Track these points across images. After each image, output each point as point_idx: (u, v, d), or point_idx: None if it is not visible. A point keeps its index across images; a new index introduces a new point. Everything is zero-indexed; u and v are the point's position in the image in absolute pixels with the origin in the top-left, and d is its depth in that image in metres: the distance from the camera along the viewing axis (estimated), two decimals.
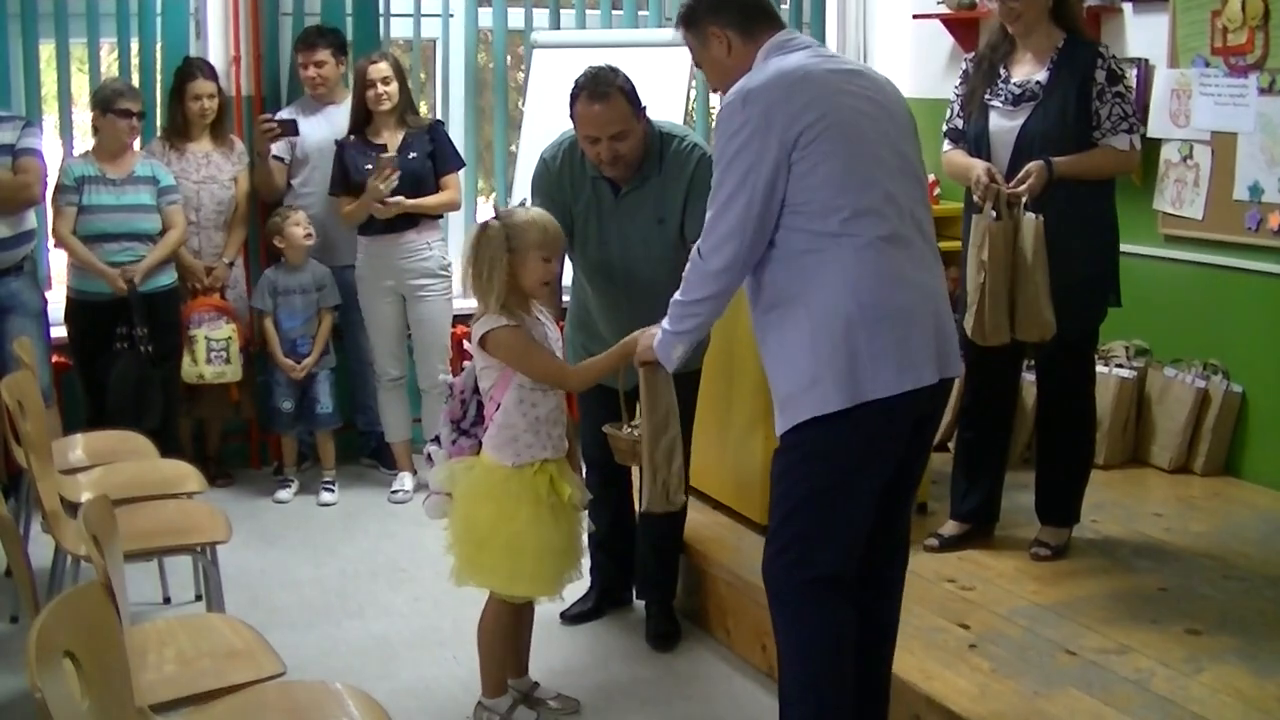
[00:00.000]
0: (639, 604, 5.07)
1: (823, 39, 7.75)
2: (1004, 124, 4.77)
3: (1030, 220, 4.57)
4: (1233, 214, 5.81)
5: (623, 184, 4.54)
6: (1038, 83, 4.73)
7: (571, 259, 4.67)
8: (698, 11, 3.57)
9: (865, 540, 3.47)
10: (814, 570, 3.42)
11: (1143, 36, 6.14)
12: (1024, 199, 4.57)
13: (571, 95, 4.45)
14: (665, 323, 3.60)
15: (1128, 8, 6.28)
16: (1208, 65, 5.87)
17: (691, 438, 4.85)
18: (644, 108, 4.49)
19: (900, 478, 3.52)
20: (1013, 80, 4.78)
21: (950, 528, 5.09)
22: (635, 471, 4.85)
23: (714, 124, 3.45)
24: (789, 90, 3.31)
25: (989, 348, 4.68)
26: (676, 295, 3.54)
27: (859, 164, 3.32)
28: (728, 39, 3.53)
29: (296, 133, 6.46)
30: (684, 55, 6.39)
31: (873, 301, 3.28)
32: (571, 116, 4.46)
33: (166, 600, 5.23)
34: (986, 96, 4.81)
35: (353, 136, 6.37)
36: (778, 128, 3.27)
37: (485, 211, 7.51)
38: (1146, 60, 6.13)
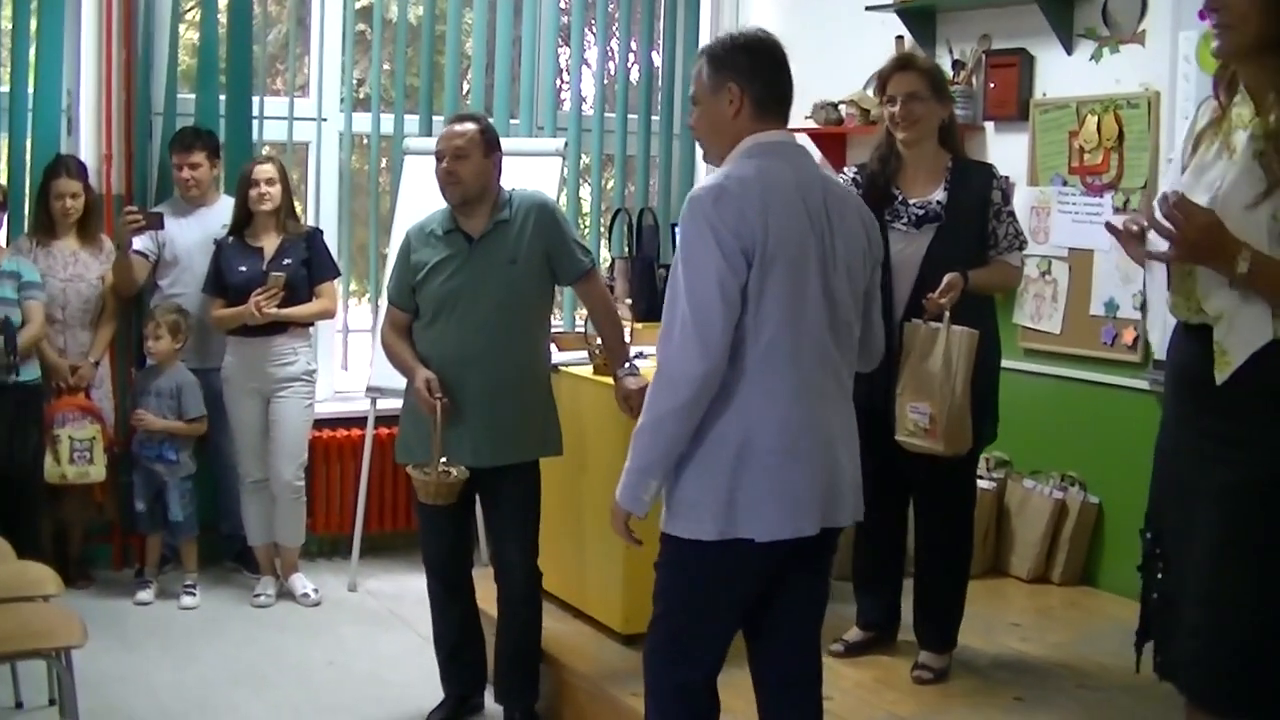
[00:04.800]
0: (494, 709, 5.03)
1: (692, 146, 7.80)
2: (905, 246, 4.68)
3: (961, 333, 4.49)
4: (1090, 329, 5.96)
5: (475, 232, 4.74)
6: (938, 203, 4.71)
7: (420, 321, 4.82)
8: (729, 60, 3.40)
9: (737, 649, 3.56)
10: (681, 675, 3.52)
11: (1003, 154, 6.28)
12: (946, 312, 4.49)
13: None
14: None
15: (989, 126, 6.47)
16: (1065, 184, 6.05)
17: (538, 535, 4.84)
18: (498, 153, 4.78)
19: (785, 603, 3.55)
20: (911, 201, 4.73)
21: (854, 634, 5.09)
22: (484, 577, 4.89)
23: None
24: (741, 207, 3.24)
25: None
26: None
27: (792, 301, 3.28)
28: (741, 104, 3.38)
29: (161, 226, 6.39)
30: (554, 164, 6.50)
31: (767, 446, 3.28)
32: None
33: (19, 705, 5.09)
34: (887, 218, 4.66)
35: (231, 238, 6.36)
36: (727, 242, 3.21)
37: (359, 314, 7.48)
38: (1007, 177, 6.25)
